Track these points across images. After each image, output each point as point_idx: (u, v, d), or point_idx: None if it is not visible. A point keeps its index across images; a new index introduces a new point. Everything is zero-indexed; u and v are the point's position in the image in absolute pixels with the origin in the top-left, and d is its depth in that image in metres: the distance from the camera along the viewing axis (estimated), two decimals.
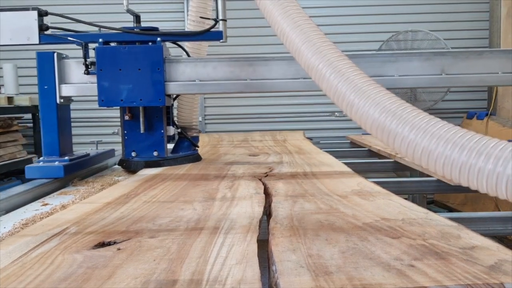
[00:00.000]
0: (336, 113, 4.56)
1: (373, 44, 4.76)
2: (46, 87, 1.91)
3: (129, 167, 2.01)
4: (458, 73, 1.95)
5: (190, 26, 2.07)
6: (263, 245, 0.88)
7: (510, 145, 0.72)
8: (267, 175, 1.69)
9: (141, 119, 1.96)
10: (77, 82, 1.93)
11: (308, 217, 1.05)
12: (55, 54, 1.91)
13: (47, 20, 1.90)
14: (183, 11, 4.91)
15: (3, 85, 4.49)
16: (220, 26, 1.93)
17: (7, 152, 4.15)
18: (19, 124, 4.51)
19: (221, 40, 1.95)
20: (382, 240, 0.85)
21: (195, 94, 2.16)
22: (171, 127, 2.05)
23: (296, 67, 1.86)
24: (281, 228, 0.95)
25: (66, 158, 1.85)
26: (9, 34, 1.84)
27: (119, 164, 2.09)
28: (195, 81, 1.94)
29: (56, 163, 1.78)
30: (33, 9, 1.83)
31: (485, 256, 0.75)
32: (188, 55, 2.08)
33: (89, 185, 1.69)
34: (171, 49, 2.07)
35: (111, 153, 2.37)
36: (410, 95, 4.50)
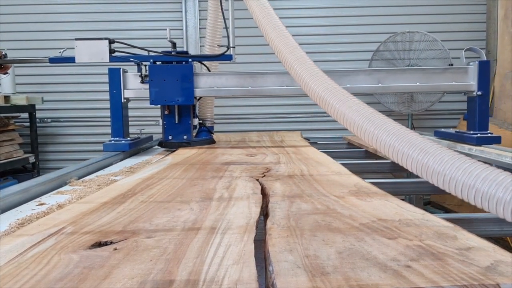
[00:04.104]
0: None
1: (370, 45, 4.75)
2: (115, 91, 2.68)
3: (167, 146, 2.82)
4: (389, 84, 2.70)
5: (207, 49, 2.96)
6: (260, 245, 0.88)
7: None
8: (264, 176, 1.68)
9: (176, 113, 2.77)
10: (134, 88, 2.72)
11: (305, 217, 1.05)
12: (121, 69, 2.68)
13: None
14: (181, 11, 4.89)
15: None
16: (230, 51, 2.77)
17: (4, 151, 4.13)
18: (16, 124, 4.48)
19: (231, 61, 2.79)
20: (379, 240, 0.86)
21: (213, 96, 3.05)
22: (195, 119, 2.87)
23: (282, 78, 2.72)
24: (278, 228, 0.95)
25: (128, 138, 2.67)
26: (88, 56, 2.59)
27: (158, 145, 2.89)
28: (213, 87, 2.77)
29: (123, 141, 2.61)
30: (105, 38, 2.58)
31: (481, 257, 0.75)
32: (208, 70, 2.94)
33: (85, 185, 1.69)
34: None
35: (151, 138, 3.18)
36: (407, 96, 4.51)
